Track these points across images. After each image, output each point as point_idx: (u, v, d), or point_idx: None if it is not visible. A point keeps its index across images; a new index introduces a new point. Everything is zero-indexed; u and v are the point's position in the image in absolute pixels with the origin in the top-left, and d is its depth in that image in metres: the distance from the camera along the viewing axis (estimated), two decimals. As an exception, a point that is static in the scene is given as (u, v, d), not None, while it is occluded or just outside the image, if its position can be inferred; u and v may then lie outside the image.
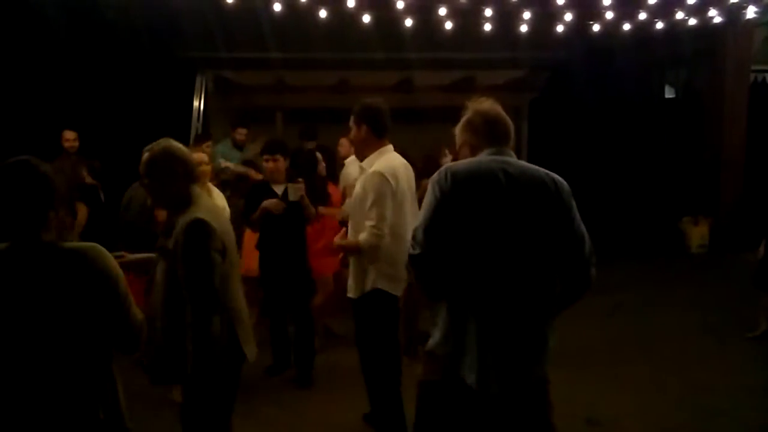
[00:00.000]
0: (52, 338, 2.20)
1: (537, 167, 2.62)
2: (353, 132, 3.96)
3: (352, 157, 7.34)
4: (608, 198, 10.54)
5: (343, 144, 6.87)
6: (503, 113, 2.73)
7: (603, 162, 10.78)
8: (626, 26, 8.52)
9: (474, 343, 2.43)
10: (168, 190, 2.93)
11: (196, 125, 9.45)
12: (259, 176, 6.82)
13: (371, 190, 3.74)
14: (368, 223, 3.72)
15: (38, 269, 2.20)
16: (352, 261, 3.93)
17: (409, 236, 3.17)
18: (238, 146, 7.87)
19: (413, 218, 3.52)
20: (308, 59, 9.20)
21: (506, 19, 8.26)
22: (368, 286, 3.81)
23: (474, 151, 2.67)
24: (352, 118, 3.93)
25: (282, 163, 5.11)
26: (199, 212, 2.85)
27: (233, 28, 8.34)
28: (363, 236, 3.73)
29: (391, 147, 3.96)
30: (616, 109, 10.88)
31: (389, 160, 3.87)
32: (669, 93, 12.48)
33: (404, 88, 9.77)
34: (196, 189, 3.03)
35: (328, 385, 5.09)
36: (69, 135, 7.15)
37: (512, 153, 2.65)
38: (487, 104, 2.75)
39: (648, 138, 11.09)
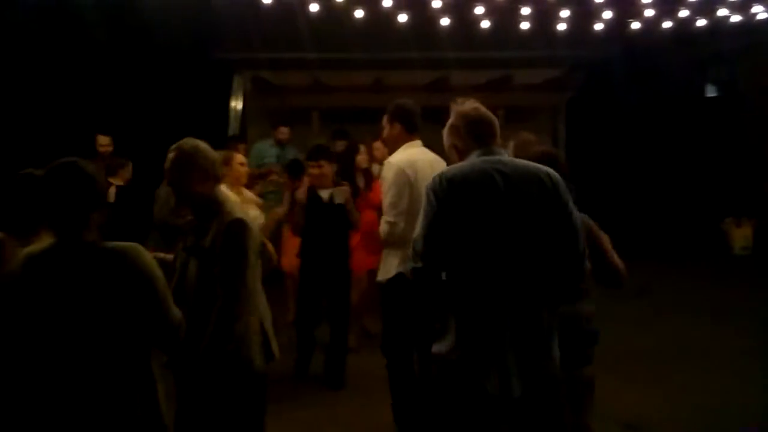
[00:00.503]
0: (92, 335, 2.24)
1: (529, 163, 2.61)
2: (386, 130, 4.17)
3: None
4: (648, 198, 10.37)
5: (378, 147, 6.88)
6: (486, 113, 2.71)
7: (643, 162, 10.62)
8: (667, 24, 8.37)
9: (489, 347, 2.41)
10: (192, 189, 2.97)
11: (233, 126, 9.56)
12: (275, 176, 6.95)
13: (386, 181, 3.99)
14: (383, 218, 3.99)
15: (80, 268, 2.24)
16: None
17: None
18: (281, 144, 7.98)
19: None
20: (344, 59, 9.23)
21: (544, 18, 8.19)
22: (392, 271, 3.99)
23: (462, 155, 2.66)
24: (385, 118, 4.15)
25: (327, 169, 5.14)
26: (236, 212, 2.93)
27: (270, 28, 8.40)
28: (380, 230, 4.01)
29: (418, 142, 4.13)
30: (656, 108, 10.70)
31: (411, 154, 4.05)
32: (710, 91, 12.24)
33: (439, 88, 9.74)
34: (222, 190, 3.09)
35: (360, 388, 5.07)
36: (103, 140, 7.27)
37: (502, 151, 2.63)
38: (469, 105, 2.75)
39: (689, 137, 10.88)
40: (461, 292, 2.46)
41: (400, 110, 4.10)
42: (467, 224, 2.43)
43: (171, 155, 2.98)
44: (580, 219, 2.58)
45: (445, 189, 2.45)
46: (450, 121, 2.73)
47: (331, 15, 7.82)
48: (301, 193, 5.09)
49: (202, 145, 3.03)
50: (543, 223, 2.46)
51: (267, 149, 8.03)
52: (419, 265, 2.46)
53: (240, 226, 2.87)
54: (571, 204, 2.53)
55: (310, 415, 4.65)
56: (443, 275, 2.49)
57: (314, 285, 5.16)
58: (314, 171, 5.13)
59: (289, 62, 9.38)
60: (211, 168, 2.99)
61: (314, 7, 7.62)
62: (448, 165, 4.19)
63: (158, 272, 2.38)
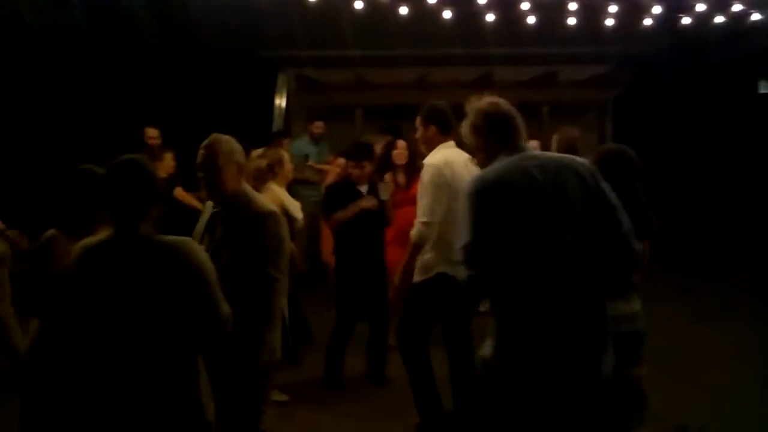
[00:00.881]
0: (145, 326, 2.31)
1: (560, 155, 2.58)
2: (420, 132, 4.19)
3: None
4: (698, 198, 10.14)
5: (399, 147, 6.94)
6: (506, 107, 2.61)
7: (693, 161, 10.37)
8: (719, 18, 8.15)
9: (538, 349, 2.37)
10: (223, 184, 3.04)
11: (277, 123, 9.64)
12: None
13: (423, 182, 4.01)
14: (418, 219, 3.99)
15: (135, 260, 2.33)
16: None
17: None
18: (315, 139, 8.05)
19: None
20: (388, 56, 9.22)
21: (591, 13, 8.06)
22: (432, 271, 4.01)
23: (488, 154, 2.59)
24: (418, 119, 4.18)
25: (369, 169, 5.19)
26: (268, 205, 3.08)
27: (314, 26, 8.44)
28: (412, 232, 4.02)
29: (452, 143, 4.12)
30: (707, 105, 10.43)
31: (446, 154, 4.06)
32: (764, 88, 11.89)
33: (484, 84, 9.68)
34: (248, 185, 3.19)
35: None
36: (151, 132, 7.40)
37: (528, 146, 2.57)
38: (486, 101, 2.64)
39: (741, 135, 10.59)
40: (510, 294, 2.42)
41: (434, 111, 4.14)
42: (516, 225, 2.38)
43: (202, 151, 3.07)
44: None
45: (489, 192, 2.41)
46: (470, 120, 2.66)
47: (376, 12, 7.83)
48: (369, 204, 5.07)
49: (232, 141, 3.11)
50: (587, 212, 2.41)
51: (305, 146, 8.12)
52: (474, 272, 2.41)
53: (272, 218, 2.99)
54: (608, 188, 2.48)
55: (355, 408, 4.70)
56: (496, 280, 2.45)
57: (352, 282, 5.16)
58: (356, 172, 5.16)
59: (333, 60, 9.41)
60: (242, 163, 3.10)
61: (359, 4, 7.64)
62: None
63: (210, 266, 2.45)
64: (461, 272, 2.45)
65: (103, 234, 2.42)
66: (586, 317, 2.39)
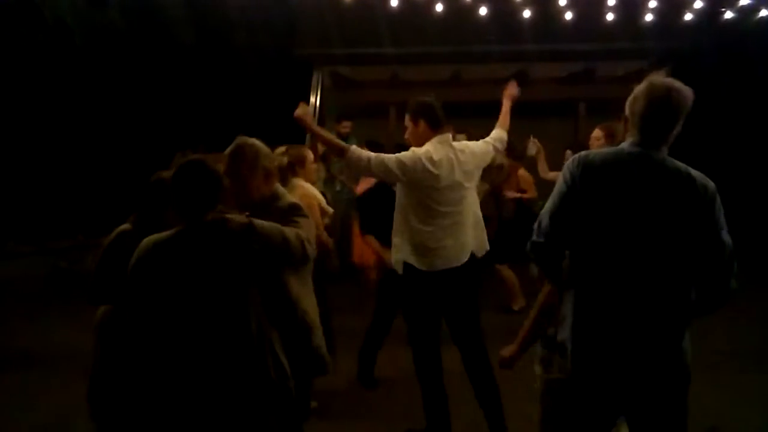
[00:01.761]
0: (220, 308, 2.52)
1: (680, 163, 2.40)
2: (410, 128, 4.08)
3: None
4: (739, 198, 9.91)
5: (459, 140, 6.93)
6: (677, 98, 2.39)
7: (733, 159, 10.14)
8: (764, 13, 7.95)
9: (607, 337, 2.34)
10: (246, 192, 3.10)
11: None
12: None
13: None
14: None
15: (207, 249, 2.54)
16: None
17: (446, 221, 3.70)
18: (342, 139, 8.06)
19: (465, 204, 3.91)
20: (423, 53, 9.20)
21: (630, 8, 7.93)
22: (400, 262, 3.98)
23: (627, 132, 2.48)
24: (407, 117, 4.08)
25: None
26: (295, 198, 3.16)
27: (349, 24, 8.46)
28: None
29: (446, 136, 4.02)
30: (749, 102, 10.18)
31: (435, 147, 3.91)
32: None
33: (519, 81, 9.58)
34: (279, 186, 3.25)
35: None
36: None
37: (663, 147, 2.41)
38: (662, 83, 2.42)
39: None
40: (584, 279, 2.38)
41: (423, 107, 4.03)
42: (595, 211, 2.34)
43: (227, 160, 3.10)
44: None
45: (580, 171, 2.38)
46: (636, 91, 2.47)
47: (411, 9, 7.82)
48: None
49: (258, 143, 3.11)
50: (682, 228, 2.32)
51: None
52: (541, 240, 2.41)
53: (298, 208, 3.03)
54: (719, 213, 2.36)
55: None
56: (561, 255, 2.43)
57: (394, 281, 5.14)
58: None
59: (368, 57, 9.42)
60: (269, 166, 3.10)
61: (394, 2, 7.63)
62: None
63: None
64: (531, 238, 2.44)
65: (171, 230, 2.61)
66: (657, 327, 2.34)
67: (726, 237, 2.36)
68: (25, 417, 4.62)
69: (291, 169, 4.41)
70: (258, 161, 3.07)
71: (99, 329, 3.13)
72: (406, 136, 4.12)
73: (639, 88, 2.45)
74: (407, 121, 4.08)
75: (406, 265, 3.92)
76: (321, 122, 9.68)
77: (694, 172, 2.39)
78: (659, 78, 2.44)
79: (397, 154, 3.81)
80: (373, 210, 5.11)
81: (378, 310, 5.20)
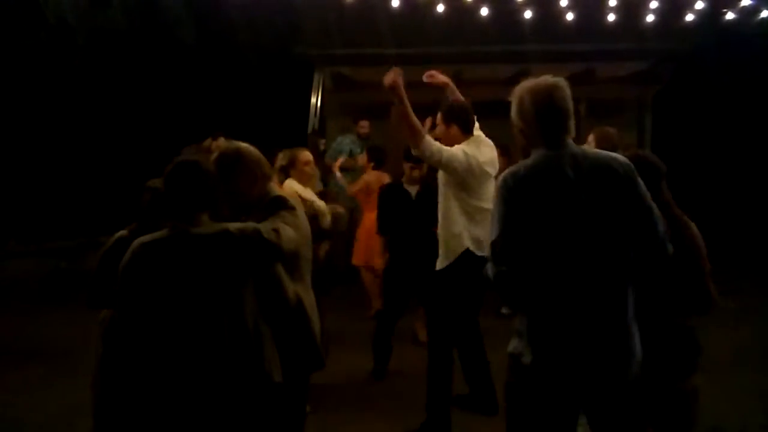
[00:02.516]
0: (214, 310, 2.49)
1: (599, 152, 2.50)
2: (441, 129, 4.20)
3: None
4: (739, 197, 9.91)
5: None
6: (560, 92, 2.44)
7: (735, 159, 10.15)
8: (764, 14, 7.95)
9: (564, 345, 2.34)
10: (241, 192, 3.04)
11: (313, 122, 9.67)
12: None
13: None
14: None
15: (200, 250, 2.49)
16: None
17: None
18: (363, 139, 8.12)
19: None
20: (424, 54, 9.18)
21: (631, 9, 7.94)
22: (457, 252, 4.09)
23: (529, 142, 2.49)
24: (439, 116, 4.22)
25: (425, 168, 5.25)
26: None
27: (351, 24, 8.46)
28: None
29: (478, 137, 4.20)
30: (750, 103, 10.19)
31: (465, 144, 4.07)
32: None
33: (519, 81, 9.57)
34: (273, 186, 3.23)
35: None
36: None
37: (571, 142, 2.45)
38: (543, 83, 2.47)
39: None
40: (535, 289, 2.38)
41: (456, 111, 4.19)
42: (540, 220, 2.34)
43: (213, 161, 3.03)
44: (658, 210, 2.45)
45: (515, 187, 2.37)
46: (517, 99, 2.50)
47: (412, 10, 7.82)
48: None
49: (244, 146, 3.08)
50: (619, 212, 2.36)
51: (351, 144, 8.18)
52: (503, 268, 2.35)
53: (282, 200, 3.01)
54: (643, 187, 2.42)
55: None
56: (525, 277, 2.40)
57: (403, 281, 5.25)
58: (415, 174, 5.31)
59: (369, 58, 9.40)
60: (257, 168, 3.05)
61: (395, 3, 7.64)
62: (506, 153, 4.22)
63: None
64: (489, 269, 2.39)
65: (159, 232, 2.57)
66: (610, 317, 2.35)
67: (653, 206, 2.41)
68: (27, 416, 4.62)
69: (282, 172, 4.40)
70: (240, 163, 3.04)
71: (103, 333, 3.15)
72: (436, 133, 4.22)
73: (522, 96, 2.49)
74: (439, 120, 4.22)
75: (466, 253, 4.01)
76: (322, 123, 9.68)
77: (614, 155, 2.46)
78: (531, 81, 2.50)
79: (457, 147, 4.00)
80: (392, 210, 5.19)
81: (385, 311, 5.27)
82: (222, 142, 7.14)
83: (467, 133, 4.15)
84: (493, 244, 2.38)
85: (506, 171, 2.46)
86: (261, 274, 2.62)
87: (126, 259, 2.52)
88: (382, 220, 5.50)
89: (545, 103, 2.43)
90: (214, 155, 3.07)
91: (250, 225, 2.61)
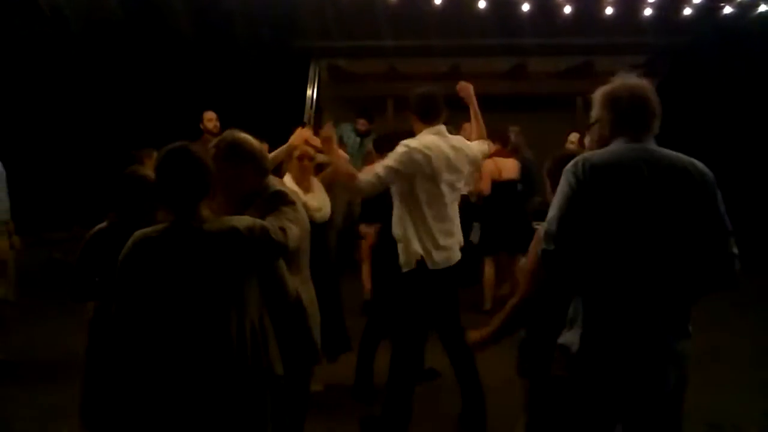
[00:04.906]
0: (212, 307, 2.40)
1: (678, 154, 2.41)
2: (411, 121, 4.09)
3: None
4: (737, 191, 9.90)
5: (465, 129, 7.01)
6: (647, 95, 2.46)
7: (733, 153, 10.13)
8: (763, 8, 7.94)
9: (618, 341, 2.31)
10: (240, 183, 3.01)
11: (309, 113, 9.65)
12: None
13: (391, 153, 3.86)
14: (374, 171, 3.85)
15: (199, 243, 2.39)
16: None
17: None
18: (360, 135, 8.12)
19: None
20: (421, 46, 9.17)
21: (629, 3, 7.92)
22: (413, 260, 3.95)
23: (612, 132, 2.46)
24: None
25: None
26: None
27: (347, 16, 8.43)
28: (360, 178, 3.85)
29: (440, 128, 4.00)
30: (748, 97, 10.17)
31: (427, 139, 3.91)
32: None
33: (517, 75, 9.56)
34: (272, 180, 3.16)
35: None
36: (209, 115, 7.38)
37: (653, 140, 2.43)
38: (639, 83, 2.49)
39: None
40: (591, 282, 2.36)
41: (414, 99, 4.04)
42: (607, 212, 2.30)
43: (212, 151, 3.00)
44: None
45: (587, 174, 2.32)
46: (611, 90, 2.52)
47: (409, 2, 7.79)
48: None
49: (243, 136, 3.04)
50: (688, 219, 2.31)
51: (350, 134, 8.19)
52: (551, 247, 2.33)
53: (283, 195, 2.94)
54: (720, 200, 2.36)
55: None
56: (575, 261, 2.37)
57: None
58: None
59: (365, 50, 9.38)
60: (255, 160, 3.01)
61: (392, -6, 7.63)
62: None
63: None
64: (539, 247, 2.37)
65: (161, 224, 2.47)
66: (667, 316, 2.33)
67: (727, 222, 2.37)
68: (23, 410, 4.61)
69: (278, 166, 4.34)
70: (247, 155, 3.01)
71: (89, 326, 3.12)
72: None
73: (616, 89, 2.50)
74: (408, 113, 4.11)
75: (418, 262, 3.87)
76: (318, 115, 9.66)
77: (694, 161, 2.40)
78: (633, 77, 2.52)
79: (390, 156, 3.82)
80: (376, 200, 5.10)
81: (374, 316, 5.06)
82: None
83: (426, 120, 3.99)
84: (549, 222, 2.37)
85: (580, 155, 2.43)
86: (264, 270, 2.56)
87: (125, 252, 2.42)
88: (366, 210, 5.39)
89: (642, 93, 2.45)
90: (213, 145, 3.04)
91: (258, 223, 2.51)
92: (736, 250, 2.37)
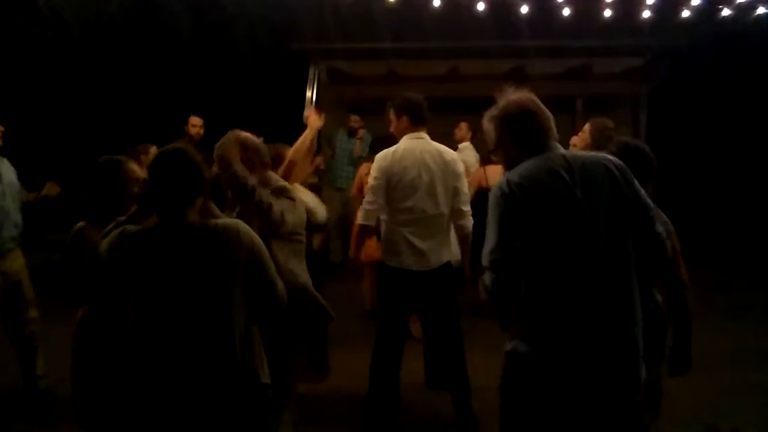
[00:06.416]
0: (198, 307, 2.36)
1: (590, 153, 2.51)
2: (393, 123, 4.24)
3: (467, 143, 7.34)
4: (735, 194, 9.92)
5: (461, 128, 7.07)
6: (535, 105, 2.54)
7: (730, 157, 10.15)
8: (761, 10, 7.95)
9: (572, 345, 2.32)
10: (238, 179, 3.13)
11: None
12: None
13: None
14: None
15: (186, 245, 2.36)
16: None
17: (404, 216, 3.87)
18: (352, 133, 8.16)
19: (430, 200, 3.99)
20: (420, 48, 9.18)
21: (627, 5, 7.94)
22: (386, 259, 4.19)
23: (519, 149, 2.50)
24: (391, 111, 4.24)
25: None
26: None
27: (346, 18, 8.43)
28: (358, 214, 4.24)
29: (422, 133, 4.16)
30: (746, 100, 10.19)
31: (405, 144, 4.10)
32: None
33: (516, 77, 9.56)
34: (273, 174, 3.41)
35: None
36: (195, 121, 7.39)
37: (557, 144, 2.49)
38: (514, 103, 2.55)
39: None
40: (539, 292, 2.35)
41: (407, 102, 4.16)
42: (544, 228, 2.32)
43: (217, 149, 3.14)
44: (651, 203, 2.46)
45: (515, 193, 2.34)
46: (503, 111, 2.55)
47: (408, 4, 7.80)
48: None
49: (244, 135, 3.11)
50: (617, 212, 2.35)
51: (343, 137, 8.25)
52: (502, 274, 2.31)
53: (286, 189, 3.24)
54: (637, 185, 2.43)
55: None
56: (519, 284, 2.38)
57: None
58: None
59: (364, 52, 9.39)
60: (256, 156, 3.11)
61: (391, -4, 7.63)
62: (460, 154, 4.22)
63: (261, 245, 2.52)
64: (486, 278, 2.36)
65: (150, 222, 2.46)
66: (621, 320, 2.33)
67: (648, 202, 2.42)
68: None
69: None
70: (246, 153, 3.10)
71: (78, 325, 3.09)
72: (391, 129, 4.27)
73: (504, 109, 2.55)
74: (391, 115, 4.23)
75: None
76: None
77: (605, 155, 2.47)
78: (509, 93, 2.59)
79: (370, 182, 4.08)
80: None
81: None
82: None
83: (416, 124, 4.16)
84: (490, 252, 2.35)
85: (504, 177, 2.44)
86: (252, 271, 2.47)
87: (114, 246, 2.38)
88: None
89: (530, 108, 2.51)
90: (218, 144, 3.11)
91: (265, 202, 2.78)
92: (660, 229, 2.43)
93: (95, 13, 8.54)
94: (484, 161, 6.92)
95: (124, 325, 2.39)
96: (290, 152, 4.02)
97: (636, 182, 2.43)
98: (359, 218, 4.15)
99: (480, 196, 6.76)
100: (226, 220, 2.50)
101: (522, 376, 2.43)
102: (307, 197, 4.51)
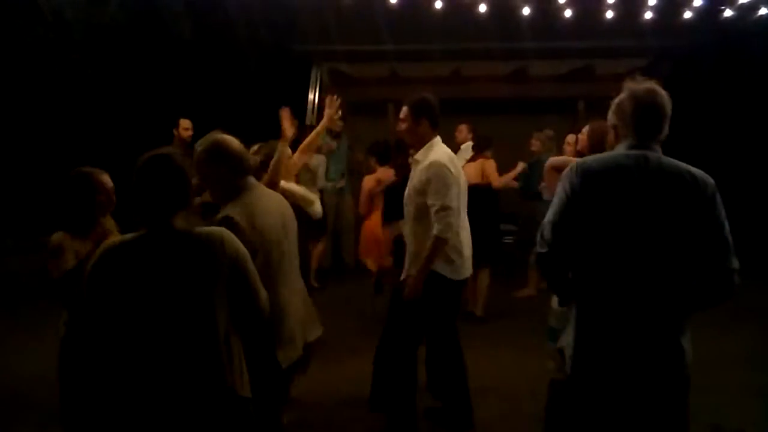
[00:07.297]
0: (182, 316, 2.30)
1: (678, 162, 2.41)
2: (408, 124, 3.97)
3: (468, 143, 7.34)
4: (739, 196, 9.89)
5: (462, 130, 7.03)
6: (661, 99, 2.47)
7: (732, 157, 10.13)
8: (763, 11, 7.95)
9: (610, 345, 2.34)
10: (215, 183, 3.05)
11: (310, 118, 9.67)
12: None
13: (435, 180, 3.78)
14: (439, 213, 3.76)
15: (172, 254, 2.31)
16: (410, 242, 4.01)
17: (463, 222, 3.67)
18: (336, 135, 8.18)
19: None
20: (422, 50, 9.18)
21: (629, 6, 7.93)
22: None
23: (618, 137, 2.51)
24: (407, 111, 3.98)
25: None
26: (234, 208, 2.94)
27: (348, 20, 8.44)
28: (437, 227, 3.74)
29: (439, 139, 4.01)
30: (749, 101, 10.17)
31: (446, 151, 3.96)
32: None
33: (518, 78, 9.56)
34: (249, 181, 3.13)
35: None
36: (185, 124, 7.39)
37: (657, 147, 2.44)
38: (645, 87, 2.48)
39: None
40: (585, 287, 2.39)
41: (426, 105, 3.96)
42: (598, 218, 2.34)
43: (198, 151, 3.04)
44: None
45: (579, 179, 2.38)
46: (619, 99, 2.54)
47: (410, 6, 7.81)
48: None
49: (226, 138, 3.06)
50: (682, 226, 2.31)
51: (324, 138, 8.28)
52: (545, 250, 2.41)
53: (223, 224, 2.77)
54: (719, 210, 2.36)
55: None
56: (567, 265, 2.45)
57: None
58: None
59: (367, 54, 9.39)
60: (237, 161, 3.04)
61: (393, -1, 7.65)
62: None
63: (246, 254, 2.47)
64: (537, 248, 2.44)
65: (131, 234, 2.39)
66: (659, 321, 2.34)
67: (726, 232, 2.36)
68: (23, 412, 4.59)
69: (263, 168, 4.33)
70: (215, 157, 3.03)
71: (61, 344, 3.12)
72: (402, 130, 4.05)
73: (623, 95, 2.51)
74: (406, 115, 3.98)
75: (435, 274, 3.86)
76: (319, 119, 9.64)
77: (694, 170, 2.40)
78: (641, 82, 2.51)
79: (436, 190, 3.77)
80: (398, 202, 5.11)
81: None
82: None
83: (436, 128, 3.99)
84: (546, 225, 2.44)
85: (579, 160, 2.49)
86: (234, 282, 2.41)
87: (94, 263, 2.33)
88: (388, 209, 5.40)
89: (646, 104, 2.45)
90: (198, 146, 3.07)
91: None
92: (736, 265, 2.36)
93: (98, 16, 8.56)
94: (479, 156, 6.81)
95: (103, 339, 2.35)
96: (303, 145, 4.05)
97: (719, 206, 2.36)
98: (440, 232, 3.74)
99: (473, 193, 6.73)
100: (210, 228, 2.45)
101: (575, 377, 2.45)
102: (299, 190, 4.51)
